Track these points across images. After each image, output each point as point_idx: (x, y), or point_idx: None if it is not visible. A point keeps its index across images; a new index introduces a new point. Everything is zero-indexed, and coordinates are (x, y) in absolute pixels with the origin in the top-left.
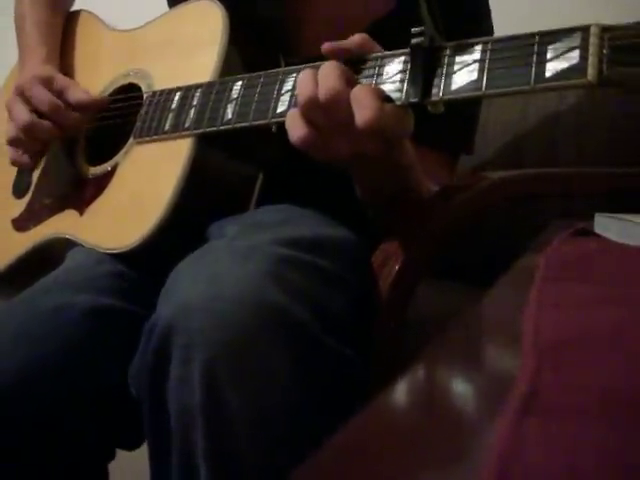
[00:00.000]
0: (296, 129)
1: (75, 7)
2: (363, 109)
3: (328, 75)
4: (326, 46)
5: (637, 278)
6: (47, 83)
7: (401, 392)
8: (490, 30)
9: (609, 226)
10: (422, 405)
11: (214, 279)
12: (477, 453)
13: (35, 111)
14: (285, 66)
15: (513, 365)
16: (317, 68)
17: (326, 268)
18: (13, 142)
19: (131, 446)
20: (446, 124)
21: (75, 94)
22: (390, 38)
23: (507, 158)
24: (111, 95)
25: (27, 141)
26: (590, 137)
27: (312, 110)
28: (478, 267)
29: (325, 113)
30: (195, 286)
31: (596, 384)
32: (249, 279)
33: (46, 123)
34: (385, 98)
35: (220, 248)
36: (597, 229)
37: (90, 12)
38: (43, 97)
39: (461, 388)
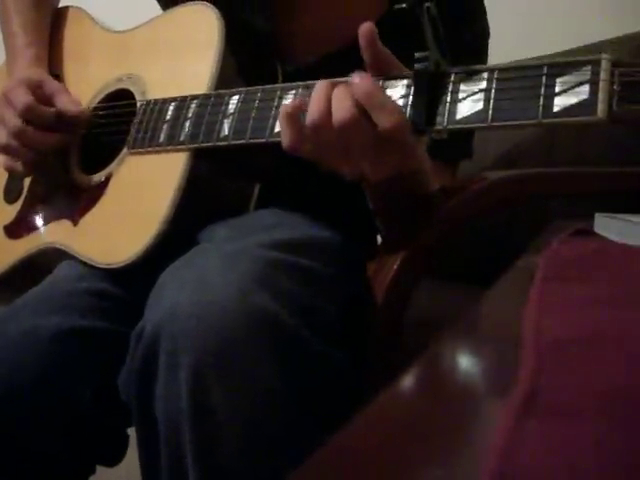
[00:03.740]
0: (288, 137)
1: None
2: (389, 114)
3: (344, 98)
4: (366, 27)
5: (637, 278)
6: (36, 87)
7: (401, 392)
8: (484, 31)
9: (609, 226)
10: (422, 405)
11: (201, 283)
12: (478, 453)
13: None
14: (282, 74)
15: (513, 365)
16: (330, 89)
17: (315, 270)
18: (4, 149)
19: (111, 462)
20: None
21: (63, 102)
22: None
23: (507, 158)
24: (103, 101)
25: (19, 148)
26: (590, 137)
27: (320, 134)
28: (478, 267)
29: (337, 134)
30: (182, 291)
31: (597, 384)
32: (236, 283)
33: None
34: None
35: (209, 251)
36: (597, 229)
37: (79, 8)
38: (18, 105)
39: (461, 388)
